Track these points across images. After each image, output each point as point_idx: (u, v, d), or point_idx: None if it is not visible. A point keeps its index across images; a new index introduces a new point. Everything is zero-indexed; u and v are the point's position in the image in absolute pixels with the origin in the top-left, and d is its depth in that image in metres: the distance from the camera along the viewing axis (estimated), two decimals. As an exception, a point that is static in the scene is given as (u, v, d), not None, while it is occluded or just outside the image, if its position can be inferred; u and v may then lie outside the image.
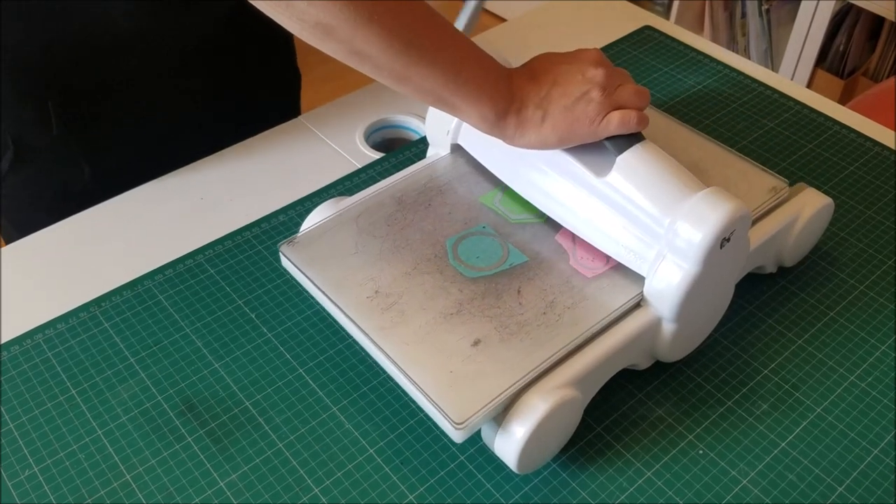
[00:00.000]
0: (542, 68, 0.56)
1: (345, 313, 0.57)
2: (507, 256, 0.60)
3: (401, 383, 0.54)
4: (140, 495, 0.54)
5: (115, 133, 0.77)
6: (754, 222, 0.62)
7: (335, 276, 0.59)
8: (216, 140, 0.81)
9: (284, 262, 0.61)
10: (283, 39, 0.88)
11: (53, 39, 0.69)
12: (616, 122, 0.55)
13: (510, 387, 0.52)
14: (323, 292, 0.59)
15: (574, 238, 0.61)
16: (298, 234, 0.62)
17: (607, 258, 0.59)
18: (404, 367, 0.53)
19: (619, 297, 0.57)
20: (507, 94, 0.54)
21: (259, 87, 0.86)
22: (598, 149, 0.58)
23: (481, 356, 0.54)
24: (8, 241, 0.83)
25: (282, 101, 0.92)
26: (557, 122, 0.55)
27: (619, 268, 0.59)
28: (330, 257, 0.61)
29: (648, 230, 0.56)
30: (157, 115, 0.79)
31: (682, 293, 0.54)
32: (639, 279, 0.57)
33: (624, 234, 0.57)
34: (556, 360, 0.54)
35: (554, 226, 0.62)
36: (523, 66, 0.57)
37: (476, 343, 0.55)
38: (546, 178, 0.61)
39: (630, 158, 0.56)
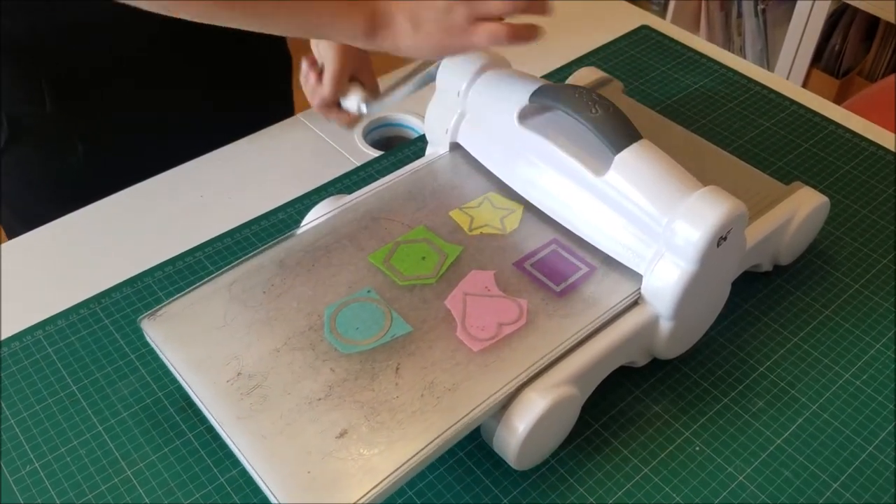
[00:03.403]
0: None
1: (199, 399, 0.52)
2: (389, 326, 0.55)
3: (256, 481, 0.49)
4: (140, 491, 0.54)
5: (107, 112, 0.77)
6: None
7: (195, 356, 0.53)
8: (207, 123, 0.81)
9: (148, 338, 0.56)
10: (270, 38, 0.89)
11: (45, 18, 0.69)
12: (486, 37, 0.56)
13: (370, 491, 0.47)
14: (179, 374, 0.53)
15: (464, 303, 0.57)
16: (162, 307, 0.56)
17: (498, 326, 0.55)
18: (256, 466, 0.48)
19: (617, 294, 0.57)
20: (368, 12, 0.56)
21: (247, 68, 0.86)
22: (597, 147, 0.58)
23: (345, 451, 0.49)
24: (7, 229, 0.83)
25: (273, 82, 0.92)
26: (430, 33, 0.56)
27: (574, 293, 0.57)
28: (193, 333, 0.55)
29: (646, 229, 0.56)
30: (148, 95, 0.79)
31: (679, 291, 0.55)
32: (636, 277, 0.57)
33: (622, 233, 0.57)
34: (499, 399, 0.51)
35: (444, 289, 0.58)
36: None
37: (342, 434, 0.49)
38: (544, 175, 0.61)
39: (628, 157, 0.57)
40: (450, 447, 0.50)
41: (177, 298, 0.57)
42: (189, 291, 0.57)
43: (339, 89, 0.71)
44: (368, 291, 0.57)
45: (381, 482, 0.47)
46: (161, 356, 0.55)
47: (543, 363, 0.53)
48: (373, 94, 0.70)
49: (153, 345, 0.55)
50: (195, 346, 0.54)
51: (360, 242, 0.61)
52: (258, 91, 0.89)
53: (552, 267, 0.59)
